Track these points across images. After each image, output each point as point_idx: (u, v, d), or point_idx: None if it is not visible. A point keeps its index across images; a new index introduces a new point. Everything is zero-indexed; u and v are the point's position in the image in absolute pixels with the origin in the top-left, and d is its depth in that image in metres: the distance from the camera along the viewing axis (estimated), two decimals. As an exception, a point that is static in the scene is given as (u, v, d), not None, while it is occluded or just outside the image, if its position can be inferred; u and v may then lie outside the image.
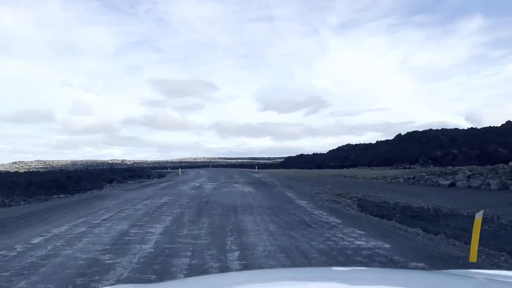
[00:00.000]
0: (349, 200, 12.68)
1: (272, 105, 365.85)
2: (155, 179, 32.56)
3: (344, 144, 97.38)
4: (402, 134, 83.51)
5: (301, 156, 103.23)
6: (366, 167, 55.34)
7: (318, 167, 70.21)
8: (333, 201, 12.74)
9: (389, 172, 29.73)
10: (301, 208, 10.80)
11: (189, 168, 79.74)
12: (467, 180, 16.49)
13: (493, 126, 71.72)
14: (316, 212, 10.15)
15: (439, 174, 19.04)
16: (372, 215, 10.48)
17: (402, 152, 73.01)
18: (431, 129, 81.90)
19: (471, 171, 17.56)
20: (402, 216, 10.69)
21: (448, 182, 16.90)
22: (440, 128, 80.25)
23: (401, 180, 20.39)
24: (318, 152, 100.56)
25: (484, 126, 71.79)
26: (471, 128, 79.32)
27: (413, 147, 73.25)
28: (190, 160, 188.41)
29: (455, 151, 55.77)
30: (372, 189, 17.47)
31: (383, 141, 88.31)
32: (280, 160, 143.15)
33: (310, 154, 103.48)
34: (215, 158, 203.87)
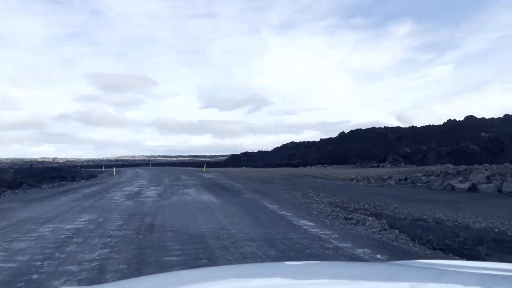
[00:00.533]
0: (371, 218, 8.29)
1: (214, 103, 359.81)
2: (82, 181, 26.41)
3: (288, 142, 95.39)
4: (346, 132, 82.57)
5: (246, 154, 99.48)
6: (321, 165, 52.24)
7: (267, 165, 66.54)
8: (347, 220, 8.29)
9: (363, 171, 26.14)
10: (318, 240, 6.21)
11: (126, 167, 72.65)
12: (489, 183, 12.90)
13: (434, 125, 72.42)
14: (358, 252, 5.60)
15: (440, 175, 15.54)
16: (438, 249, 6.17)
17: (349, 150, 71.44)
18: (374, 127, 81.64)
19: (485, 170, 14.08)
20: (481, 247, 6.48)
21: (467, 185, 13.19)
22: (383, 126, 79.97)
23: (391, 182, 16.60)
24: (262, 150, 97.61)
25: (425, 125, 72.36)
26: (412, 126, 79.65)
27: (361, 145, 72.01)
28: (128, 158, 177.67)
29: (424, 148, 54.32)
30: (370, 196, 13.34)
31: (326, 139, 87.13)
32: (223, 158, 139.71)
33: (255, 152, 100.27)
34: (155, 156, 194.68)
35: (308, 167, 46.19)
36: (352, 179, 19.43)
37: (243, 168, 49.89)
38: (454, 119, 69.43)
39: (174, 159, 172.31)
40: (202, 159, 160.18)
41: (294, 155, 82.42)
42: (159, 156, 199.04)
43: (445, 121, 70.96)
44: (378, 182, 17.57)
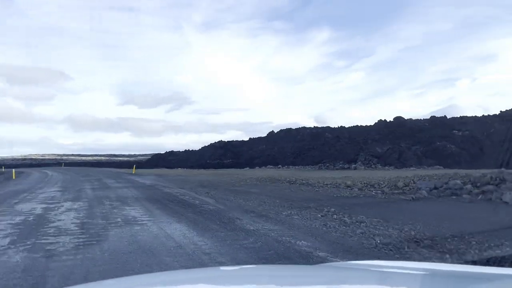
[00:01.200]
0: None
1: (133, 100, 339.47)
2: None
3: (216, 141, 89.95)
4: (275, 131, 79.04)
5: (172, 153, 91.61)
6: (273, 166, 47.29)
7: (200, 165, 60.36)
8: None
9: (349, 175, 21.48)
10: None
11: (34, 168, 61.78)
12: None
13: (367, 125, 71.52)
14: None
15: (492, 182, 11.23)
16: None
17: (284, 149, 67.76)
18: (304, 127, 79.02)
19: None
20: None
21: None
22: (312, 126, 77.74)
23: (423, 193, 11.89)
24: (189, 149, 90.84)
25: (354, 125, 71.12)
26: (341, 126, 78.06)
27: (295, 144, 68.69)
28: (37, 157, 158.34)
29: (402, 146, 51.13)
30: (443, 219, 8.36)
31: (256, 138, 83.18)
32: (144, 157, 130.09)
33: (181, 151, 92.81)
34: (67, 155, 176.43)
35: (257, 168, 40.95)
36: (349, 186, 14.51)
37: (179, 169, 43.30)
38: (385, 120, 68.43)
39: (90, 158, 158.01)
40: (121, 158, 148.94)
41: (224, 154, 76.99)
42: (72, 155, 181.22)
43: (377, 121, 69.86)
44: (396, 191, 12.85)
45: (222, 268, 2.69)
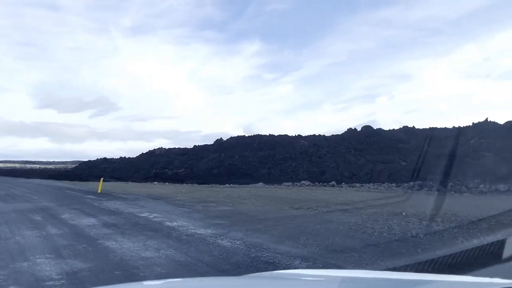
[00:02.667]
0: None
1: (53, 103, 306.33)
2: None
3: (156, 148, 78.45)
4: (224, 139, 68.84)
5: (106, 160, 76.85)
6: (267, 184, 36.81)
7: (149, 177, 48.28)
8: None
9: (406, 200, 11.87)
10: None
11: None
12: None
13: (321, 135, 64.11)
14: None
15: None
16: None
17: (248, 160, 57.77)
18: (259, 134, 69.33)
19: None
20: None
21: None
22: (268, 134, 68.21)
23: None
24: (125, 156, 77.85)
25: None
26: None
27: (256, 153, 59.10)
28: None
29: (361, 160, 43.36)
30: None
31: (202, 146, 72.57)
32: (66, 165, 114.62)
33: (116, 158, 78.92)
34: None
35: (240, 185, 30.31)
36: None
37: (139, 184, 31.07)
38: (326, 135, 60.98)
39: (1, 164, 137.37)
40: (38, 165, 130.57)
41: (171, 163, 64.59)
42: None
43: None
44: None
45: (145, 283, 2.65)
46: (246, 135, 69.98)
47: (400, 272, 3.22)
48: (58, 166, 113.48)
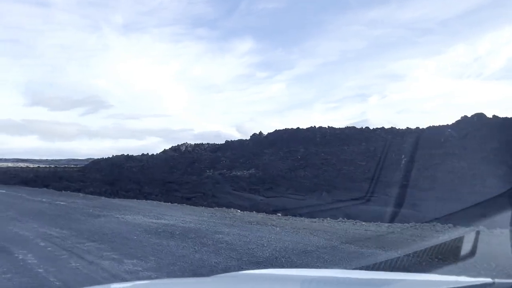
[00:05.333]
0: None
1: (43, 101, 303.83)
2: None
3: (180, 144, 66.31)
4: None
5: (131, 158, 54.38)
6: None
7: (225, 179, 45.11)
8: None
9: None
10: None
11: None
12: None
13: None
14: None
15: None
16: None
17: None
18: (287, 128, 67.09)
19: None
20: None
21: None
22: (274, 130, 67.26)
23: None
24: (146, 153, 63.87)
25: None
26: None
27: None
28: None
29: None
30: None
31: (236, 140, 62.91)
32: (56, 163, 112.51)
33: (138, 155, 64.41)
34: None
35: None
36: None
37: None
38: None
39: None
40: (29, 164, 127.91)
41: (217, 161, 57.71)
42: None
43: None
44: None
45: (113, 285, 2.84)
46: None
47: (369, 271, 3.21)
48: (51, 163, 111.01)
